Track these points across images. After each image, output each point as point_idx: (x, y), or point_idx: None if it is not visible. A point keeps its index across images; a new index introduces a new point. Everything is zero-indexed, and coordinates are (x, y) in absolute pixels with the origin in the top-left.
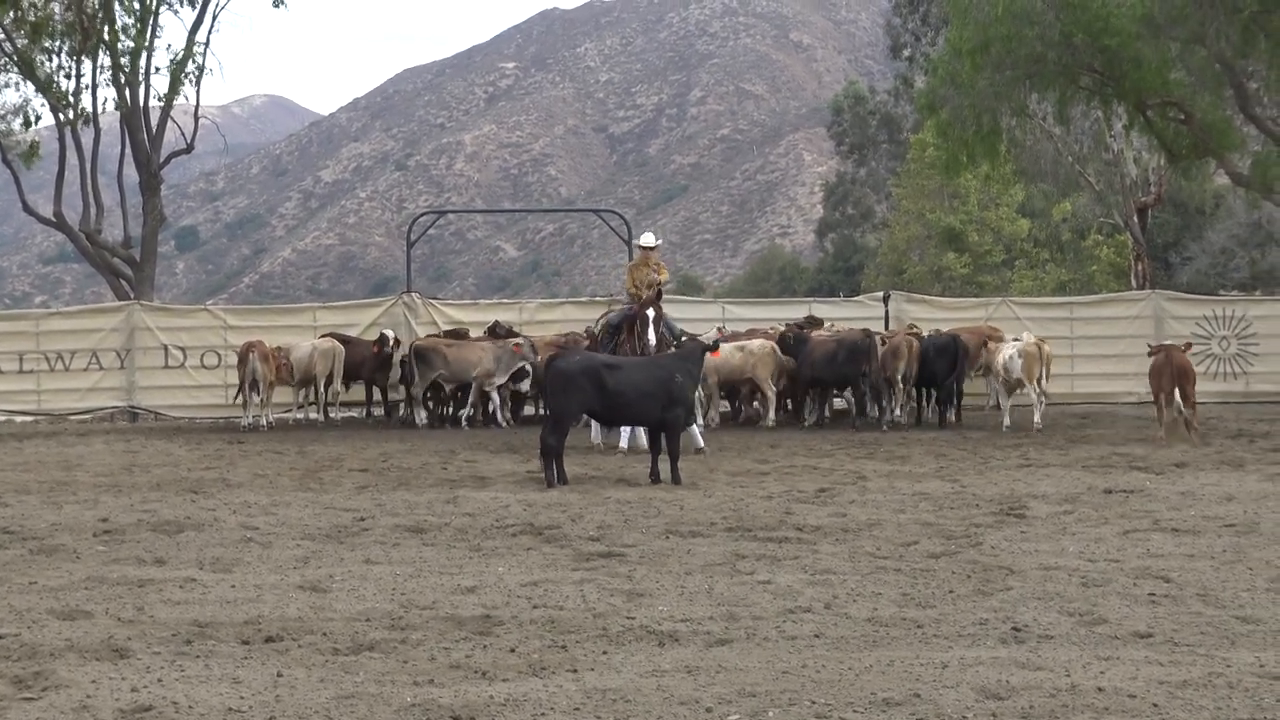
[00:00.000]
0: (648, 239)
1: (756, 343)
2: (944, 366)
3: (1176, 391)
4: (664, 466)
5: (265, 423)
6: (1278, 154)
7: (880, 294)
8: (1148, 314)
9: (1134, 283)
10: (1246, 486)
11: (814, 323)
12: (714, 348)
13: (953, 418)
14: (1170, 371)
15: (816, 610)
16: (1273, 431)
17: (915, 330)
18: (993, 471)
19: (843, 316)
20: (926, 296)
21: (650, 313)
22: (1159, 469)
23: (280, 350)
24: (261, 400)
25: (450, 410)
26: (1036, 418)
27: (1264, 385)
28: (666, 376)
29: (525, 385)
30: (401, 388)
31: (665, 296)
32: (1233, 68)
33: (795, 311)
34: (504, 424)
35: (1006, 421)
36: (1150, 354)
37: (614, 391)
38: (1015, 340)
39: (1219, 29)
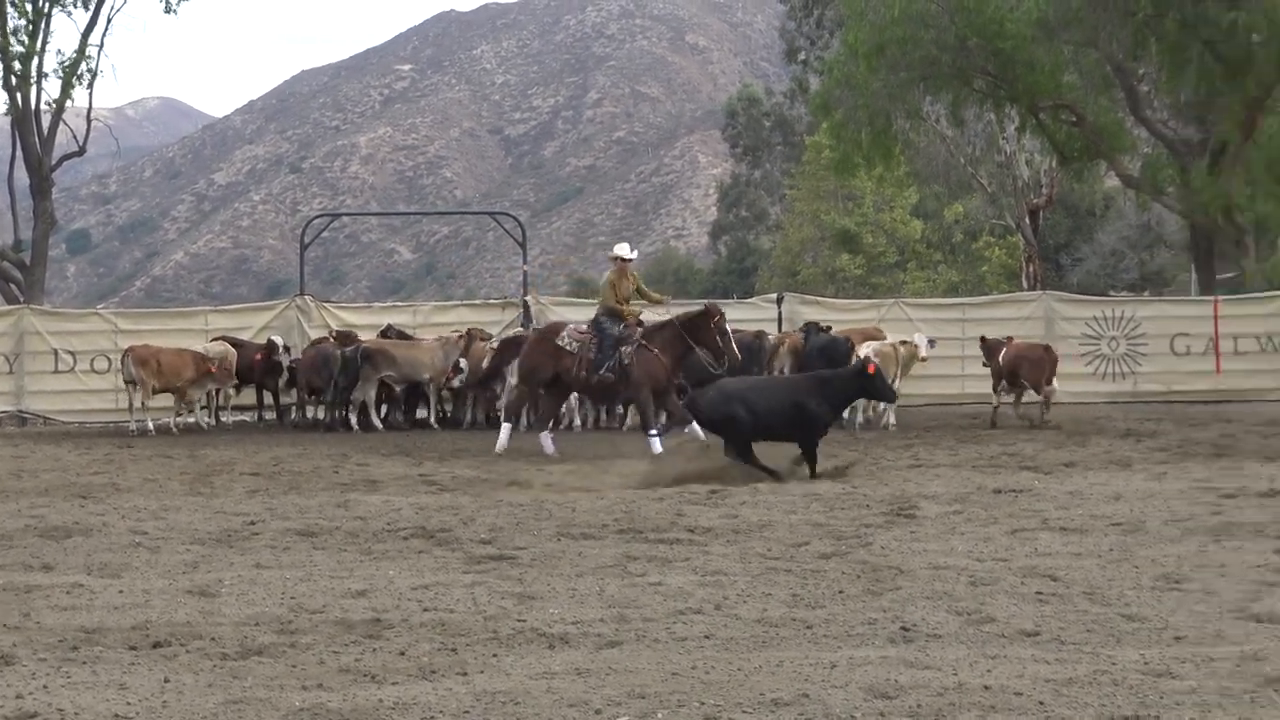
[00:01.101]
0: (623, 249)
1: None
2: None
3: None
4: None
5: (150, 427)
6: (1168, 156)
7: (774, 296)
8: (1039, 315)
9: (1025, 284)
10: (1133, 486)
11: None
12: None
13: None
14: (1050, 362)
15: (707, 611)
16: (1160, 431)
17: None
18: (883, 471)
19: (737, 318)
20: (820, 298)
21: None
22: (1047, 469)
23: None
24: (142, 404)
25: (396, 412)
26: (889, 418)
27: (1152, 385)
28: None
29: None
30: (293, 391)
31: (561, 299)
32: (1124, 70)
33: None
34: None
35: (890, 421)
36: (992, 348)
37: None
38: (903, 341)
39: (1111, 32)
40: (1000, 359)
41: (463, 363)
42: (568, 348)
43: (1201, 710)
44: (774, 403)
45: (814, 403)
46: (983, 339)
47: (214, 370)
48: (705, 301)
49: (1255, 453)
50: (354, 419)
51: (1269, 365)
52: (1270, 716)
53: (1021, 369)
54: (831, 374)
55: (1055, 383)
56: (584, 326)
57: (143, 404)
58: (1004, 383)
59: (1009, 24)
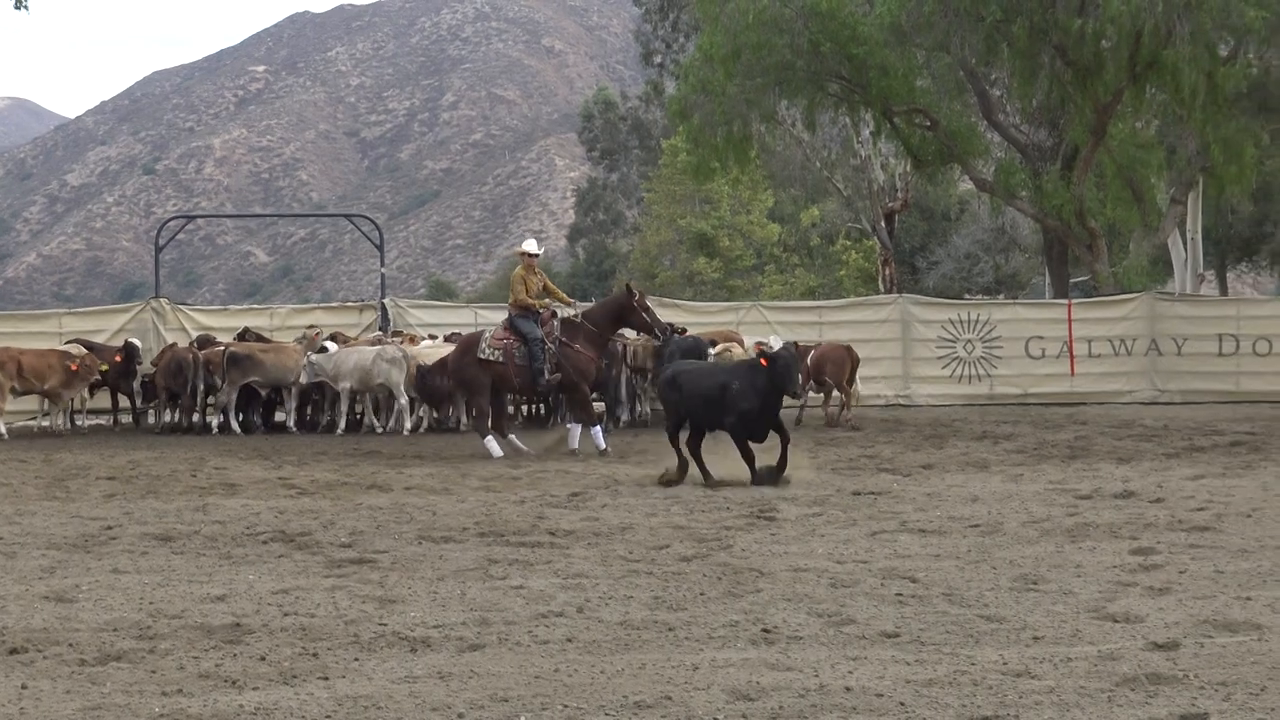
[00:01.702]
0: (531, 245)
1: None
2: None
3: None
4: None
5: (2, 431)
6: (1020, 160)
7: None
8: (895, 318)
9: (882, 287)
10: (990, 487)
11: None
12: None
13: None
14: (852, 363)
15: (569, 614)
16: (1016, 433)
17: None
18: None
19: None
20: (678, 301)
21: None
22: (906, 471)
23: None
24: None
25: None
26: None
27: (1007, 388)
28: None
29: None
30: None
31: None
32: (976, 75)
33: None
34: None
35: None
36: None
37: None
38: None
39: (963, 37)
40: (807, 361)
41: (312, 356)
42: (493, 358)
43: (1060, 710)
44: (700, 387)
45: (736, 387)
46: (795, 344)
47: (77, 369)
48: (627, 281)
49: (1109, 454)
50: (215, 422)
51: (1122, 368)
52: (1127, 716)
53: (825, 369)
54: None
55: (859, 384)
56: (499, 331)
57: None
58: (812, 382)
59: (862, 29)
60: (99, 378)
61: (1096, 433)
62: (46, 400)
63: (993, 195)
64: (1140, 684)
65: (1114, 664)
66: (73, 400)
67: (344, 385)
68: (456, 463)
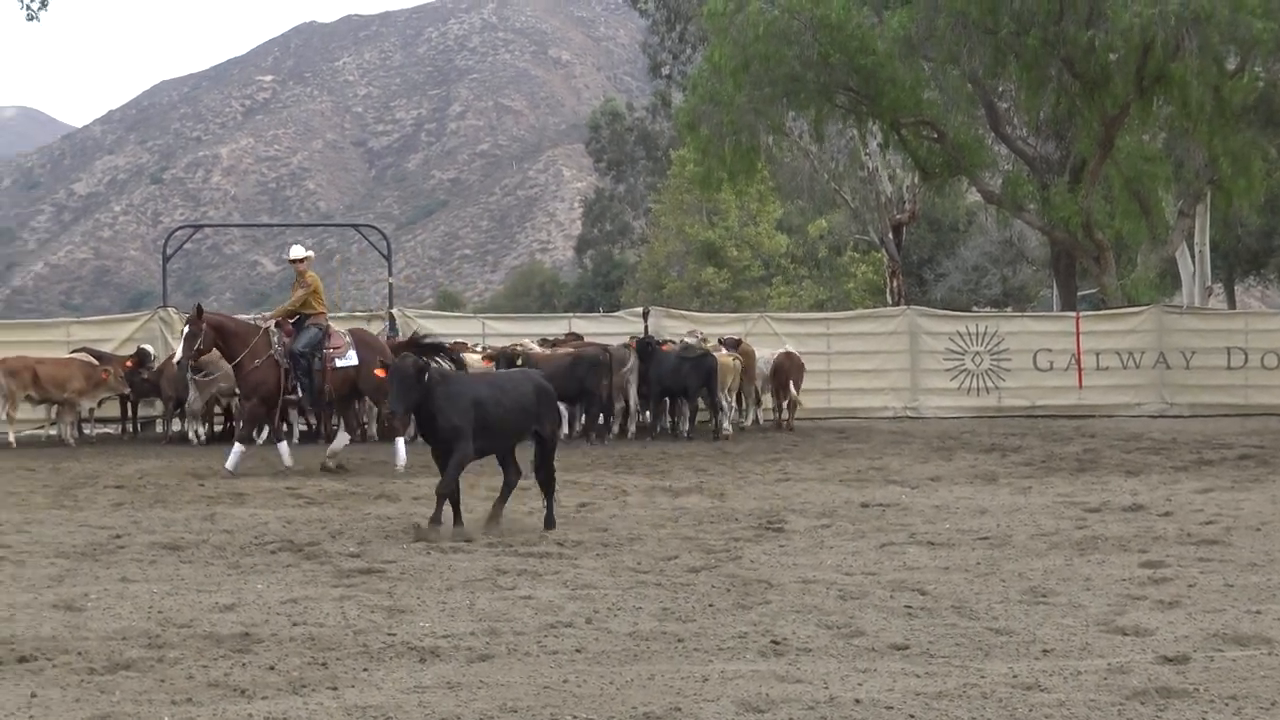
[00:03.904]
0: (296, 251)
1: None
2: (695, 380)
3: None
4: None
5: (11, 440)
6: (1028, 173)
7: (640, 309)
8: (903, 330)
9: (889, 299)
10: (999, 500)
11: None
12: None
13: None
14: (795, 369)
15: (578, 625)
16: (1024, 446)
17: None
18: (752, 486)
19: (603, 332)
20: (686, 312)
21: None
22: (914, 483)
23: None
24: (7, 416)
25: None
26: (725, 425)
27: (1015, 400)
28: None
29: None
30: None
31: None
32: (984, 88)
33: (555, 327)
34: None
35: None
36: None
37: None
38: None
39: (972, 50)
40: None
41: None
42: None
43: None
44: None
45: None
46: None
47: (107, 378)
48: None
49: (1118, 467)
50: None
51: (1130, 381)
52: None
53: (775, 376)
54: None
55: (796, 390)
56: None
57: (8, 414)
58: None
59: (870, 41)
60: (127, 391)
61: (1105, 445)
62: (56, 408)
63: (1000, 207)
64: (1150, 697)
65: (1124, 677)
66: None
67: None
68: (463, 473)
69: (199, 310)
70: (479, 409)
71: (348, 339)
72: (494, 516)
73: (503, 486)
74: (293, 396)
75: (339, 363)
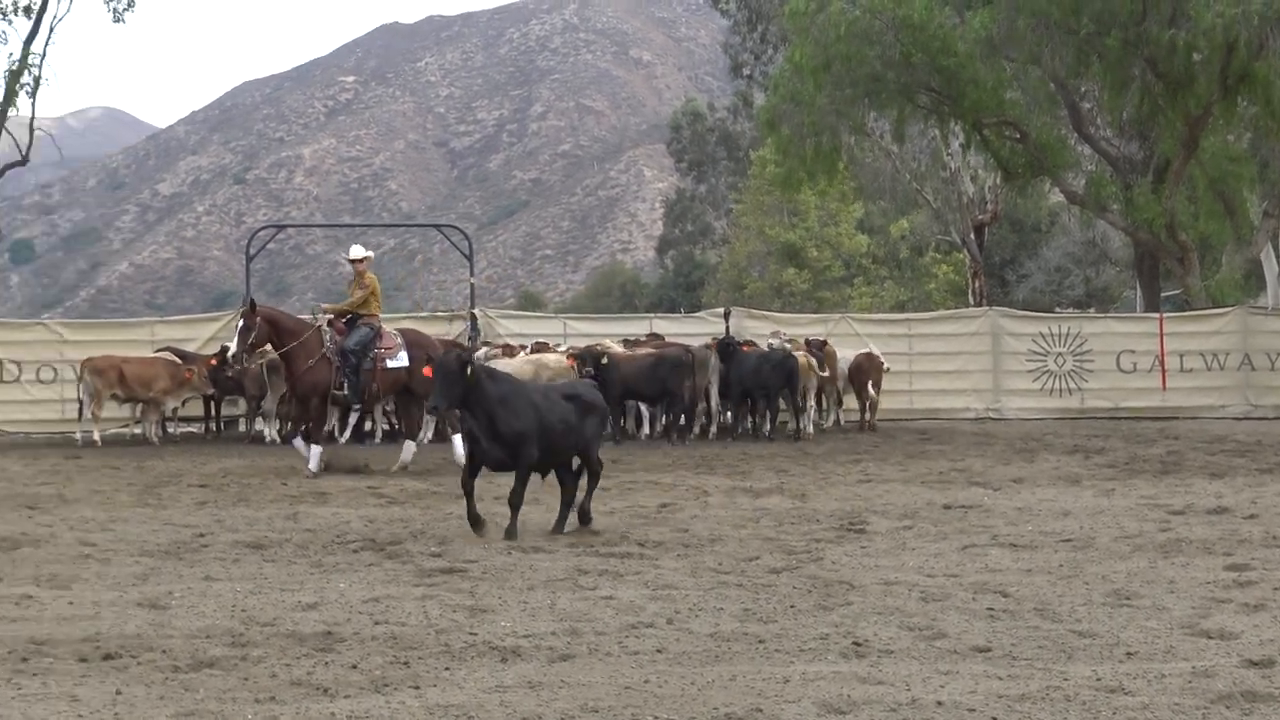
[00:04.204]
0: (356, 251)
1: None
2: (777, 380)
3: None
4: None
5: (97, 438)
6: (1111, 173)
7: (721, 310)
8: (985, 330)
9: (971, 300)
10: (1082, 502)
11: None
12: None
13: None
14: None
15: (659, 625)
16: (1107, 448)
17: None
18: (833, 487)
19: (684, 332)
20: (767, 312)
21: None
22: (997, 484)
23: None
24: (93, 415)
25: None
26: (806, 425)
27: (1098, 402)
28: None
29: None
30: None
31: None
32: (1067, 88)
33: (637, 328)
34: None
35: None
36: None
37: None
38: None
39: (1054, 50)
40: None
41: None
42: None
43: None
44: None
45: None
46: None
47: (191, 378)
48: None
49: (1202, 469)
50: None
51: (1214, 382)
52: None
53: (855, 376)
54: None
55: (875, 391)
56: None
57: (93, 413)
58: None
59: (952, 42)
60: (212, 391)
61: (1189, 448)
62: (140, 407)
63: (1083, 208)
64: (1235, 701)
65: (1208, 681)
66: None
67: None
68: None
69: (253, 304)
70: (536, 414)
71: (399, 339)
72: (580, 517)
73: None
74: (339, 393)
75: (390, 363)
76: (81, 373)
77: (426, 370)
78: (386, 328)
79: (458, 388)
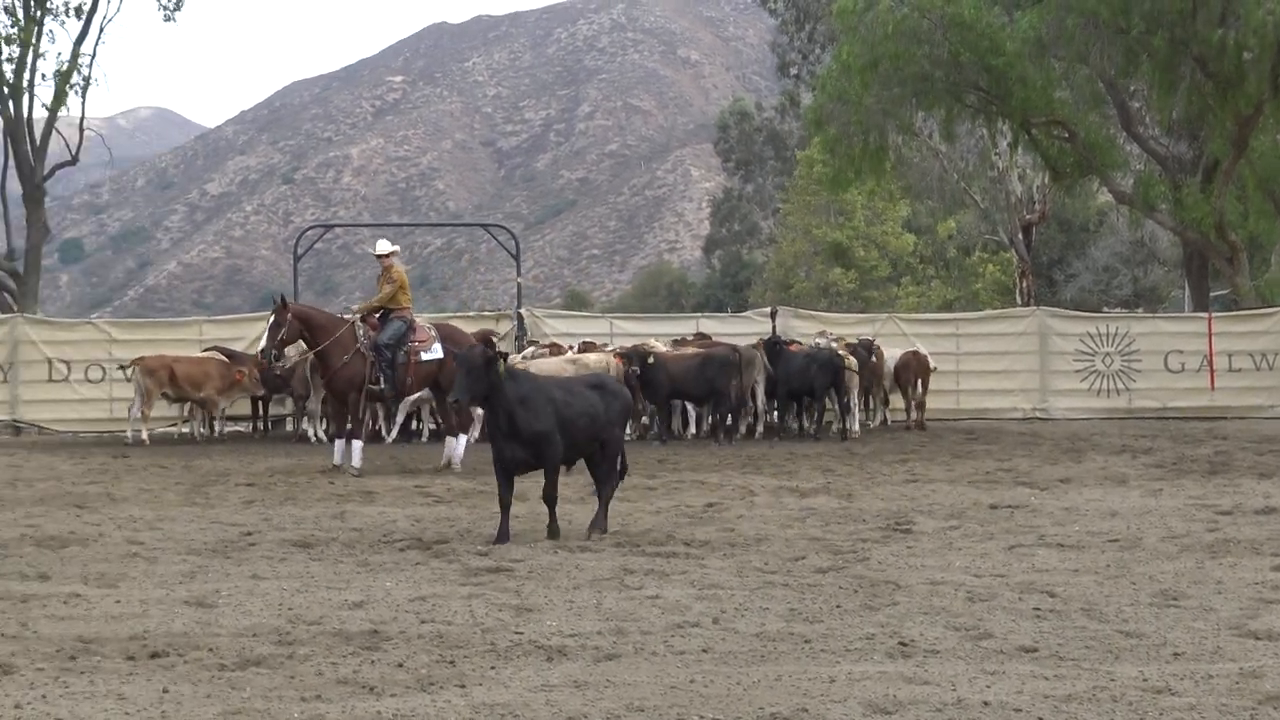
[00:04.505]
0: (383, 246)
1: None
2: (823, 380)
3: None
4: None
5: (145, 437)
6: (1160, 173)
7: (768, 309)
8: (1032, 330)
9: (1019, 299)
10: (1130, 502)
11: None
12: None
13: (811, 428)
14: (921, 368)
15: (704, 625)
16: (1155, 448)
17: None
18: (879, 486)
19: (731, 332)
20: (814, 312)
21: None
22: (1044, 484)
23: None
24: (142, 415)
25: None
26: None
27: (1146, 402)
28: None
29: None
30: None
31: (554, 312)
32: (1115, 87)
33: (684, 327)
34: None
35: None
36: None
37: None
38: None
39: (1103, 49)
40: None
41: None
42: None
43: None
44: None
45: None
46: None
47: (243, 379)
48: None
49: (1250, 469)
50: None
51: (1263, 382)
52: None
53: (900, 375)
54: None
55: (922, 390)
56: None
57: (142, 413)
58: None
59: (1001, 41)
60: (263, 392)
61: (1237, 448)
62: (188, 405)
63: (1132, 208)
64: None
65: (1256, 682)
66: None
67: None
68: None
69: (283, 301)
70: (555, 410)
71: (433, 333)
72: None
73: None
74: (375, 387)
75: (424, 356)
76: (133, 372)
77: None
78: (420, 321)
79: (481, 383)
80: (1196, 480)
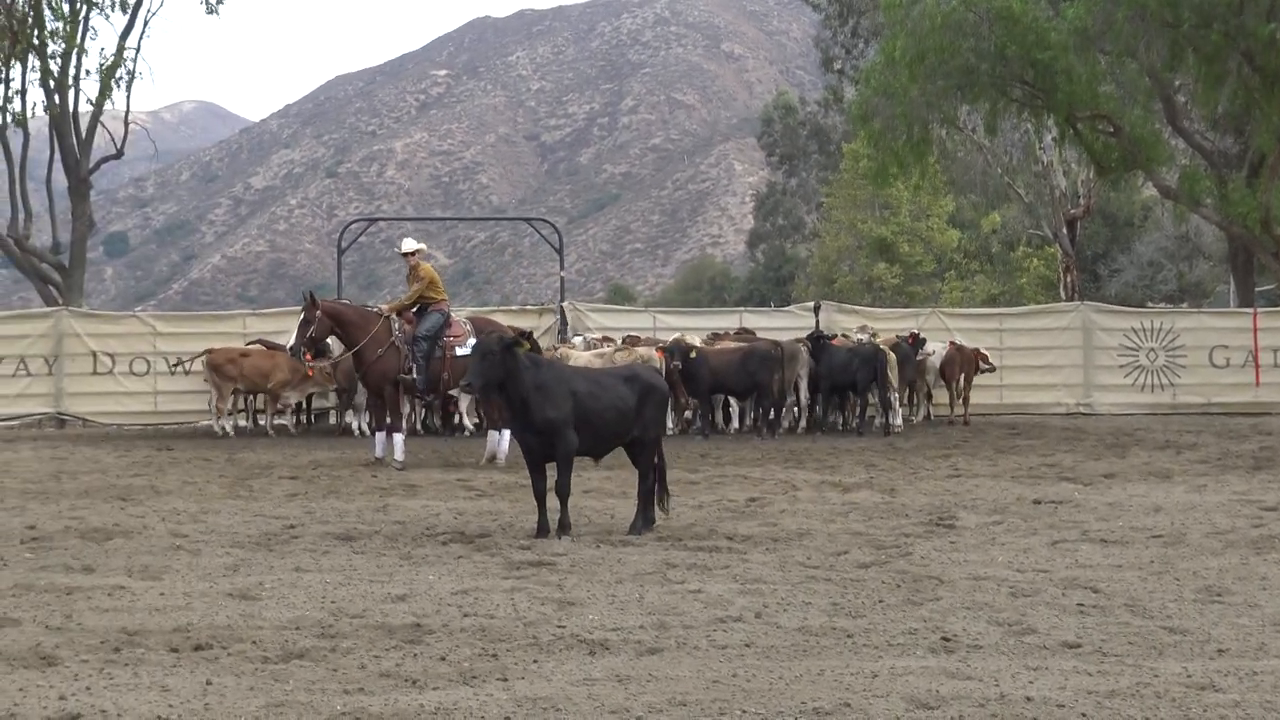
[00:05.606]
0: (408, 244)
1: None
2: (865, 375)
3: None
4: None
5: (228, 429)
6: (1205, 167)
7: (811, 304)
8: (1076, 325)
9: (1063, 294)
10: (1174, 498)
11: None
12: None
13: (853, 422)
14: (961, 362)
15: (747, 619)
16: (1199, 443)
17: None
18: (922, 481)
19: (774, 326)
20: (857, 307)
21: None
22: (1087, 480)
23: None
24: (218, 408)
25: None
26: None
27: (1190, 397)
28: None
29: None
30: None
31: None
32: (1162, 82)
33: (726, 321)
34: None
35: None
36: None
37: None
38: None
39: (1149, 43)
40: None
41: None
42: None
43: None
44: None
45: None
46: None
47: (312, 374)
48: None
49: None
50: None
51: None
52: None
53: (944, 369)
54: None
55: (966, 383)
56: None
57: (218, 407)
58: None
59: (1046, 34)
60: (334, 388)
61: None
62: (258, 399)
63: (1177, 202)
64: None
65: None
66: (257, 400)
67: None
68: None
69: (312, 297)
70: (576, 401)
71: (468, 327)
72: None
73: (641, 486)
74: (406, 377)
75: (459, 350)
76: (203, 366)
77: None
78: (455, 315)
79: (495, 370)
80: (1241, 476)
